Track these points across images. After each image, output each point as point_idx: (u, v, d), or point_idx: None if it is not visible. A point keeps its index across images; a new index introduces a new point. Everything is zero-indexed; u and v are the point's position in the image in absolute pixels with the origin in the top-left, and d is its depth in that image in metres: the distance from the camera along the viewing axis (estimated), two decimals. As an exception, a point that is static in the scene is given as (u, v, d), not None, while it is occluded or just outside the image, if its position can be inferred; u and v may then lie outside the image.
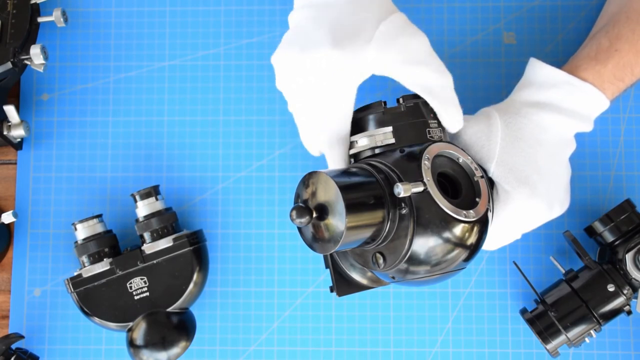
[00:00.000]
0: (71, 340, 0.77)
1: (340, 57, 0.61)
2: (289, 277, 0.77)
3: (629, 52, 0.65)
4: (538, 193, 0.63)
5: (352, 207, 0.55)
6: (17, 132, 0.76)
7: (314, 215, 0.56)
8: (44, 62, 0.74)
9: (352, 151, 0.64)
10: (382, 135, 0.62)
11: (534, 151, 0.64)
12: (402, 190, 0.55)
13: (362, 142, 0.63)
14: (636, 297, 0.69)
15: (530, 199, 0.63)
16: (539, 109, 0.65)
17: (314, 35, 0.62)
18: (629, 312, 0.69)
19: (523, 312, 0.72)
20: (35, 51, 0.73)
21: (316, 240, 0.58)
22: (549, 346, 0.69)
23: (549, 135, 0.65)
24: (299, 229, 0.60)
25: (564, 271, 0.72)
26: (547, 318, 0.69)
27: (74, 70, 0.81)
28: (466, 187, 0.61)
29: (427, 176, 0.57)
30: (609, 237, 0.70)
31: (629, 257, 0.68)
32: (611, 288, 0.68)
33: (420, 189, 0.56)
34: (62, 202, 0.79)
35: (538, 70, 0.67)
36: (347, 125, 0.63)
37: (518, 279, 0.76)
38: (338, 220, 0.55)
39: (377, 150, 0.62)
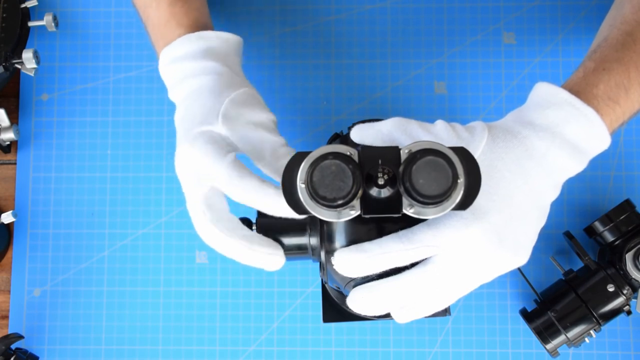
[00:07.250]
0: (71, 340, 0.77)
1: None
2: (289, 277, 0.77)
3: (617, 71, 0.59)
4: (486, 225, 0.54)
5: None
6: (7, 136, 0.76)
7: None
8: (35, 66, 0.74)
9: None
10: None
11: (510, 178, 0.55)
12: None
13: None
14: (636, 297, 0.69)
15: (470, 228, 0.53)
16: (534, 131, 0.56)
17: None
18: (629, 312, 0.69)
19: (523, 312, 0.72)
20: (27, 55, 0.74)
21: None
22: (548, 346, 0.69)
23: (533, 166, 0.56)
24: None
25: (563, 271, 0.72)
26: (547, 318, 0.69)
27: (73, 70, 0.81)
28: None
29: None
30: (609, 237, 0.70)
31: (629, 257, 0.68)
32: (611, 288, 0.68)
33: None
34: (62, 202, 0.79)
35: (537, 89, 0.60)
36: None
37: (518, 279, 0.75)
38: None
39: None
